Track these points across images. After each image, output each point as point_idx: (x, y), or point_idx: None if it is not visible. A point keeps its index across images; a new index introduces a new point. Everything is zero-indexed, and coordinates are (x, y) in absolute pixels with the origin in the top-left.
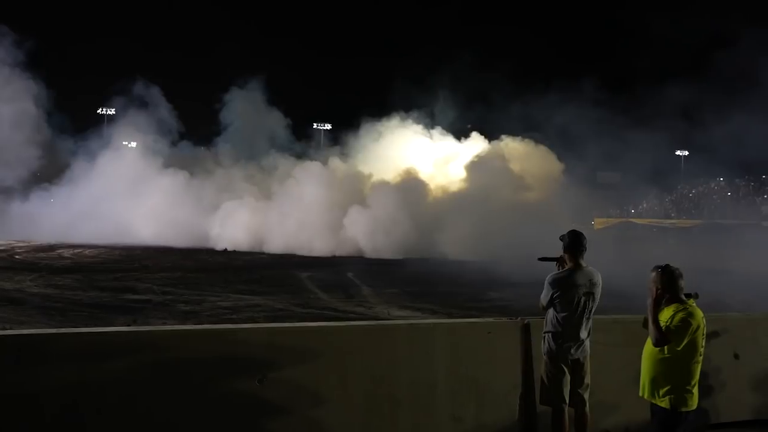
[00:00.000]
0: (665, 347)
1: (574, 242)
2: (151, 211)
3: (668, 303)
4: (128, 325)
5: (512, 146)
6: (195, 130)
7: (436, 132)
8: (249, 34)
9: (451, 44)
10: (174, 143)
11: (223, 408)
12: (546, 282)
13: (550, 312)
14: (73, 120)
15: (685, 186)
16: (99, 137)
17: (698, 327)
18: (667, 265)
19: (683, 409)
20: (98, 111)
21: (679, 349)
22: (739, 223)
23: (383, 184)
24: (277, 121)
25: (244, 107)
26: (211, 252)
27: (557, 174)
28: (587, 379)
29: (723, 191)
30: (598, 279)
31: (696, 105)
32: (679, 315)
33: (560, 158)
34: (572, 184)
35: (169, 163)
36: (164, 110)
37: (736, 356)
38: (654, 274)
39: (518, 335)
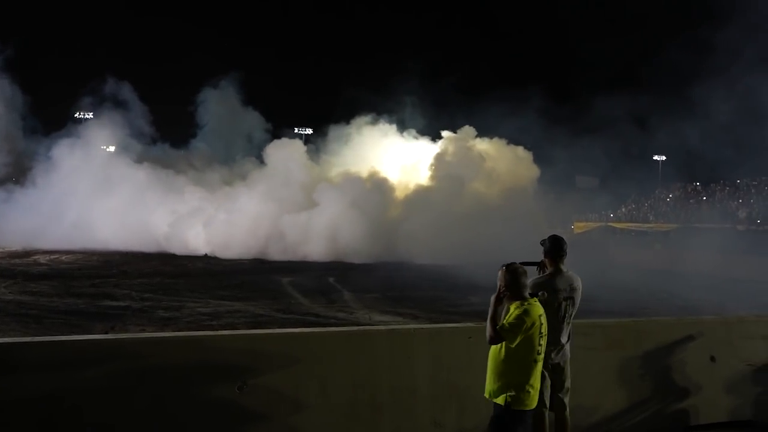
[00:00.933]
0: (503, 346)
1: (555, 247)
2: (115, 212)
3: (511, 301)
4: (105, 333)
5: (482, 146)
6: (171, 133)
7: (408, 135)
8: (227, 42)
9: (429, 49)
10: (150, 144)
11: (203, 415)
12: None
13: None
14: (49, 124)
15: (663, 190)
16: (74, 140)
17: (533, 324)
18: (511, 263)
19: (519, 408)
20: (76, 115)
21: (513, 346)
22: (715, 227)
23: (330, 185)
24: (255, 124)
25: (218, 107)
26: (190, 258)
27: (532, 175)
28: (567, 383)
29: (699, 195)
30: (579, 284)
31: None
32: (515, 312)
33: (537, 161)
34: (550, 188)
35: (140, 161)
36: (138, 111)
37: (713, 359)
38: (500, 271)
39: None
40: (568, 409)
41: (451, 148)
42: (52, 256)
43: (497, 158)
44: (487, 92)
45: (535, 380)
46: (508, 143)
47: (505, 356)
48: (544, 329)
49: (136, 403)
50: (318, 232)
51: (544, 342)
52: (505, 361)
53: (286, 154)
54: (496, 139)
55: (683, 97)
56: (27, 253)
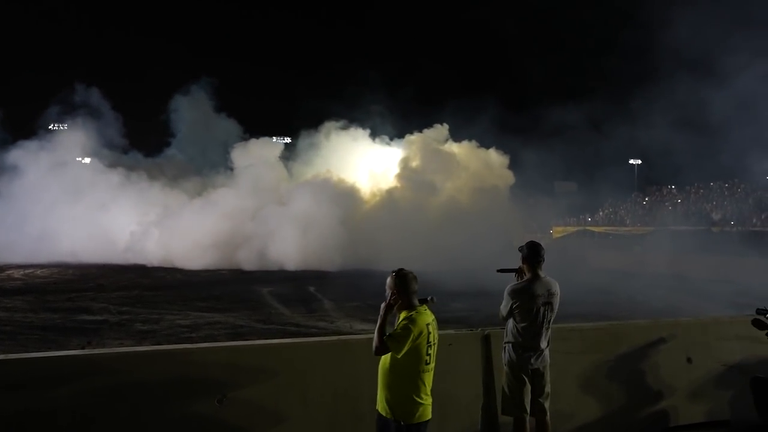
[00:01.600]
0: (390, 357)
1: (532, 253)
2: (81, 222)
3: (401, 309)
4: (82, 347)
5: (452, 149)
6: (144, 143)
7: (381, 141)
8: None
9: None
10: (122, 153)
11: (182, 429)
12: (505, 293)
13: (510, 322)
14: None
15: (638, 194)
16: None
17: (420, 334)
18: (400, 269)
19: (410, 422)
20: (50, 127)
21: (399, 357)
22: (690, 230)
23: (298, 186)
24: (231, 131)
25: (190, 113)
26: (168, 269)
27: (506, 177)
28: (548, 388)
29: (674, 198)
30: (557, 289)
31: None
32: (402, 323)
33: (512, 166)
34: (528, 194)
35: (113, 167)
36: (110, 120)
37: (689, 360)
38: (389, 278)
39: (479, 346)
40: (548, 414)
41: (415, 151)
42: (26, 271)
43: (468, 161)
44: (459, 97)
45: (425, 391)
46: (479, 146)
47: (391, 367)
48: (433, 338)
49: (113, 418)
50: (288, 239)
51: (432, 352)
52: (392, 372)
53: (257, 156)
54: (466, 142)
55: (655, 102)
56: (0, 268)
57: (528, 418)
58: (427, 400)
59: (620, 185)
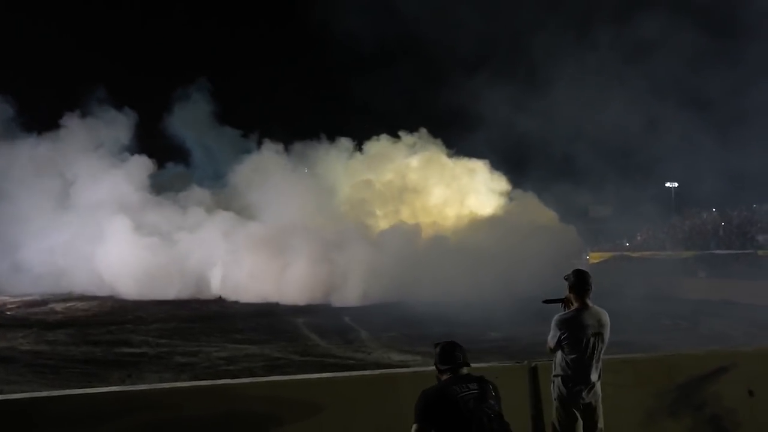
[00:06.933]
0: None
1: (580, 281)
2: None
3: None
4: (123, 381)
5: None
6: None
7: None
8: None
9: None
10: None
11: None
12: (553, 323)
13: (559, 354)
14: None
15: (677, 218)
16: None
17: None
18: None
19: None
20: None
21: None
22: (734, 253)
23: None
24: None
25: (189, 120)
26: (203, 301)
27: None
28: (600, 424)
29: (716, 221)
30: (606, 319)
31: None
32: None
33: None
34: (563, 219)
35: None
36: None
37: (751, 393)
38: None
39: (526, 379)
40: None
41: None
42: (68, 304)
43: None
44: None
45: None
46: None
47: None
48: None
49: None
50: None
51: None
52: None
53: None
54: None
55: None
56: (44, 302)
57: None
58: None
59: (656, 209)
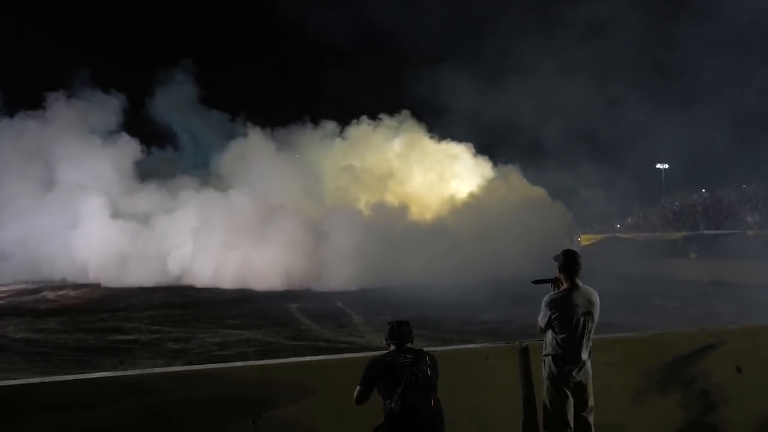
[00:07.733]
0: None
1: (569, 261)
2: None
3: None
4: (115, 368)
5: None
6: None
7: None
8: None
9: None
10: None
11: None
12: (543, 303)
13: (549, 334)
14: None
15: (668, 199)
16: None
17: None
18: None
19: None
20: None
21: None
22: (724, 233)
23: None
24: (221, 124)
25: (174, 103)
26: (196, 288)
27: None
28: (591, 402)
29: (706, 202)
30: (596, 298)
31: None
32: None
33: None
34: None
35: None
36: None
37: (738, 369)
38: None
39: (517, 359)
40: (593, 429)
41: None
42: (60, 292)
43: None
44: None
45: None
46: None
47: None
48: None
49: None
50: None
51: None
52: None
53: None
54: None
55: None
56: (36, 290)
57: None
58: None
59: (647, 190)
